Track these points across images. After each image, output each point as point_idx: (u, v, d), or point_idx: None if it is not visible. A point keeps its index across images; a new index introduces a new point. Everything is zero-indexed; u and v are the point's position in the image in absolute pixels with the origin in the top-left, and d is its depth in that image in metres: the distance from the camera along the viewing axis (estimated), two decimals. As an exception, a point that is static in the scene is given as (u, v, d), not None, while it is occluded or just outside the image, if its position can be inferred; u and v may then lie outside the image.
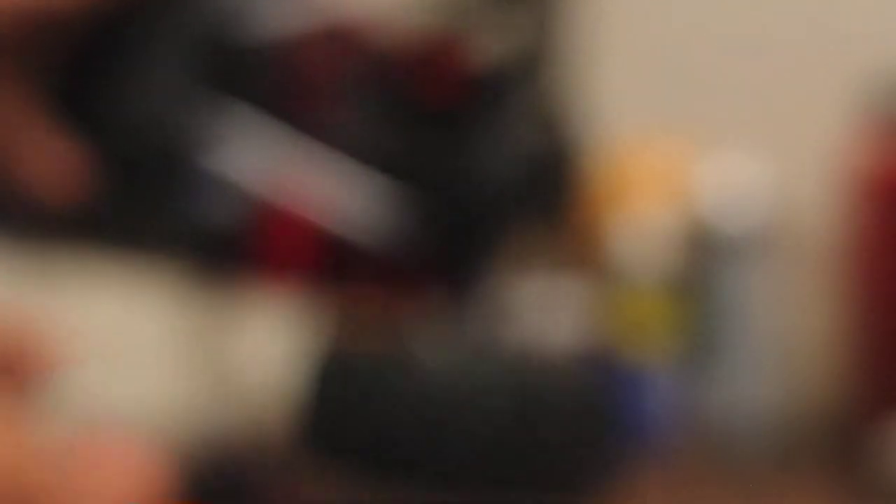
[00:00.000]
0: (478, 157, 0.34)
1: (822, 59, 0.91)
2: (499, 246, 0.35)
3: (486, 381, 0.37)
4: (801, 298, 0.69)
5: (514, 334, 0.40)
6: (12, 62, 0.31)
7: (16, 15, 0.30)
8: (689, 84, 1.08)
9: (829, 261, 0.64)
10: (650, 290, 0.64)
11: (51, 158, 0.32)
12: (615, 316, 0.64)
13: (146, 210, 0.34)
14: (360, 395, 0.37)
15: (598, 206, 0.83)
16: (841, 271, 0.61)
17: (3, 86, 0.31)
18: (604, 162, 0.86)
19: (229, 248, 0.34)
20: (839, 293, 0.62)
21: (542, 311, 0.44)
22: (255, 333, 0.48)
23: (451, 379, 0.37)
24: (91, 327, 0.42)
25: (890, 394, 0.57)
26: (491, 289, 0.35)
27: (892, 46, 0.86)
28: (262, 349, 0.50)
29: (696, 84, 1.07)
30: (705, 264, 0.61)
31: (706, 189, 0.62)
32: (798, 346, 0.66)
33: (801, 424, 0.66)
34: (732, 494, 0.57)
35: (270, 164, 0.34)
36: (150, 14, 0.33)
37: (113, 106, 0.33)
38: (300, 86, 0.34)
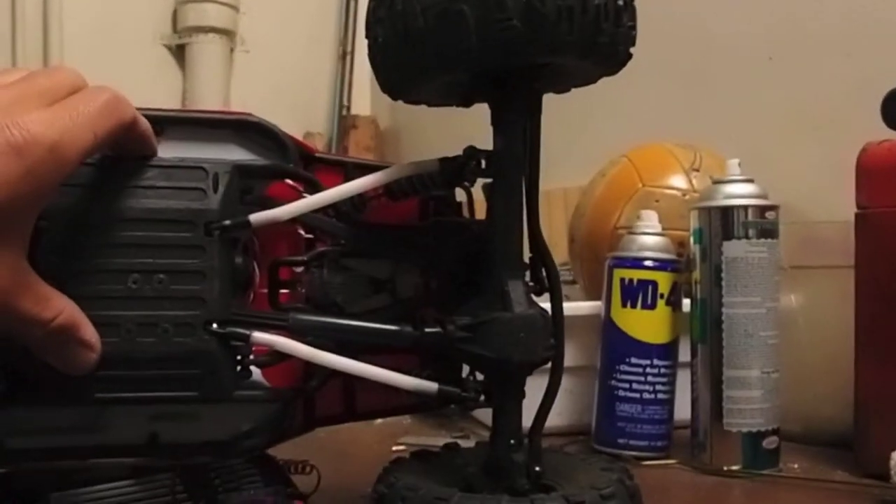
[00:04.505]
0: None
1: (827, 60, 0.92)
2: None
3: None
4: (808, 296, 0.69)
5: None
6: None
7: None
8: (705, 89, 1.08)
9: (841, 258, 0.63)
10: (664, 281, 0.65)
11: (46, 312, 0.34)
12: (625, 311, 0.65)
13: None
14: None
15: (614, 198, 0.83)
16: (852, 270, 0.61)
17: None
18: (624, 158, 0.87)
19: None
20: (851, 292, 0.61)
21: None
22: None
23: None
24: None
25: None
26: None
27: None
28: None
29: (709, 87, 1.08)
30: (720, 262, 0.61)
31: (720, 186, 0.62)
32: (802, 344, 0.66)
33: (803, 423, 0.66)
34: (733, 494, 0.57)
35: None
36: None
37: None
38: None
